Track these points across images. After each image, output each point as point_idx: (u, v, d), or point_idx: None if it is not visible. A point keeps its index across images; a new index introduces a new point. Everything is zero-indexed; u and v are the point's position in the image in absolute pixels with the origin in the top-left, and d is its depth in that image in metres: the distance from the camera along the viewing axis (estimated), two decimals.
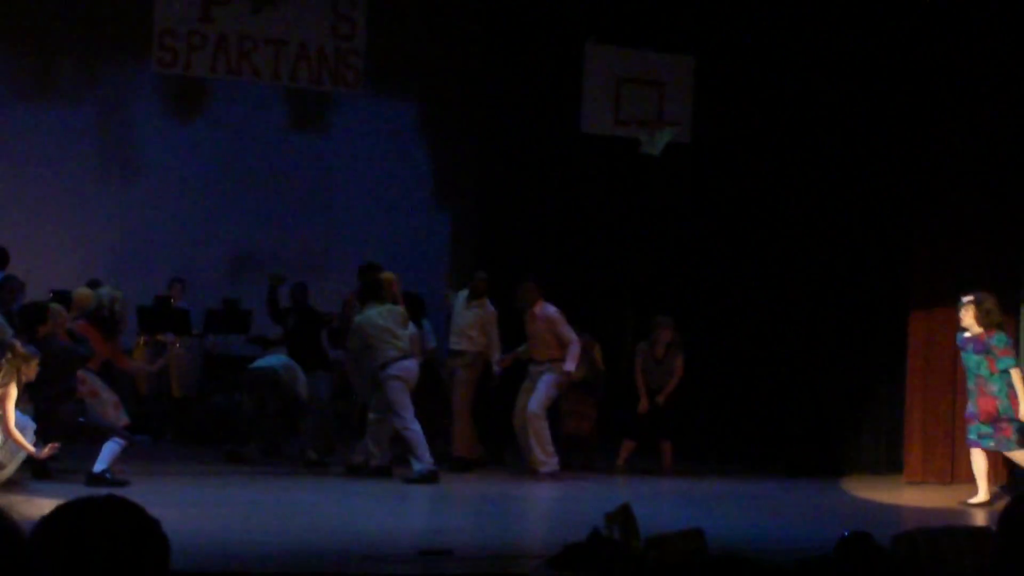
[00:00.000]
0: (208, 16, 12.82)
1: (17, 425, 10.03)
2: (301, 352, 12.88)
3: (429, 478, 11.57)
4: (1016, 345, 11.90)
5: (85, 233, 15.66)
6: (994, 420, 11.12)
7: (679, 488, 12.30)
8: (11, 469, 10.27)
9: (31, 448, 10.11)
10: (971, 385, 11.32)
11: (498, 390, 12.94)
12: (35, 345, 10.34)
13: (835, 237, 13.40)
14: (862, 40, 13.08)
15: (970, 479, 11.44)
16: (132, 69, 15.61)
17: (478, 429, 12.95)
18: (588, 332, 13.20)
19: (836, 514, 10.42)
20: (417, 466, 11.64)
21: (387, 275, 12.37)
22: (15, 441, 10.04)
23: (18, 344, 10.12)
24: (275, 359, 12.86)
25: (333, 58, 13.15)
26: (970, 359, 11.29)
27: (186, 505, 9.50)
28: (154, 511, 2.53)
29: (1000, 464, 11.76)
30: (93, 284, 12.70)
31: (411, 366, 11.92)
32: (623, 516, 7.51)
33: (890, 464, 12.98)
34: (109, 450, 10.52)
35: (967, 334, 11.29)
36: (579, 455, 13.31)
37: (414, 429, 11.71)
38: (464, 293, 13.02)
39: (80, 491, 9.54)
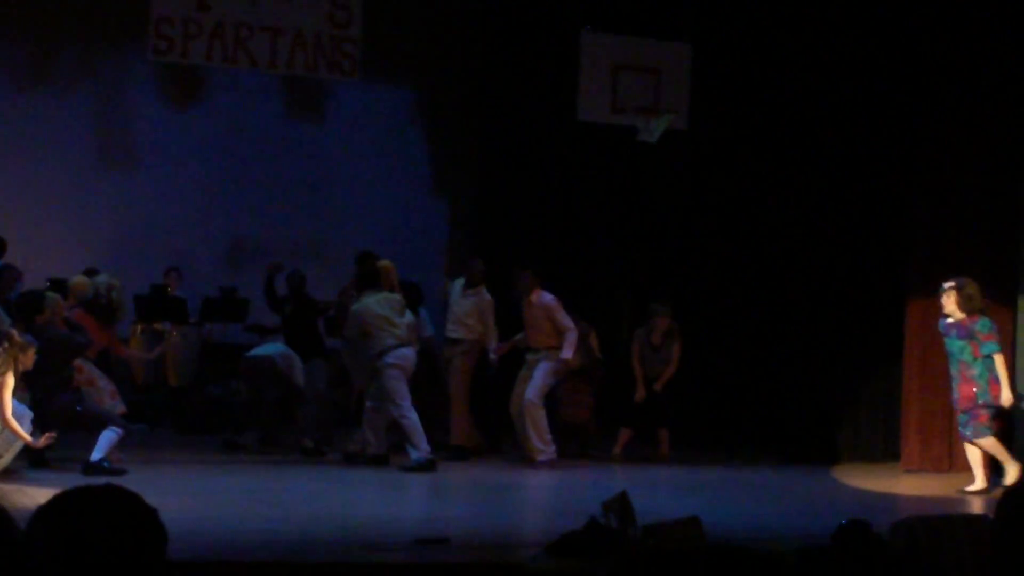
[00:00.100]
0: (204, 4, 12.78)
1: (14, 414, 10.03)
2: (298, 340, 12.87)
3: (426, 466, 11.57)
4: (1014, 336, 11.90)
5: (82, 221, 15.65)
6: (971, 407, 11.13)
7: (676, 476, 12.31)
8: (8, 458, 10.27)
9: (28, 437, 10.12)
10: (954, 371, 11.32)
11: (495, 378, 12.94)
12: (32, 334, 10.34)
13: (833, 225, 13.38)
14: (861, 28, 13.06)
15: (967, 467, 11.45)
16: (129, 57, 15.56)
17: (475, 417, 12.95)
18: (585, 320, 13.20)
19: (834, 502, 10.42)
20: (414, 454, 11.64)
21: (384, 263, 12.35)
22: (12, 430, 10.04)
23: (15, 333, 10.12)
24: (272, 347, 12.86)
25: (329, 46, 13.11)
26: (953, 344, 11.29)
27: (183, 494, 9.49)
28: (151, 500, 2.54)
29: None
30: (90, 272, 12.70)
31: (408, 354, 11.91)
32: (620, 504, 7.51)
33: (887, 452, 13.00)
34: (106, 439, 10.52)
35: (950, 320, 11.30)
36: (576, 443, 13.32)
37: (411, 417, 11.71)
38: (461, 281, 13.00)
39: (77, 480, 9.56)
